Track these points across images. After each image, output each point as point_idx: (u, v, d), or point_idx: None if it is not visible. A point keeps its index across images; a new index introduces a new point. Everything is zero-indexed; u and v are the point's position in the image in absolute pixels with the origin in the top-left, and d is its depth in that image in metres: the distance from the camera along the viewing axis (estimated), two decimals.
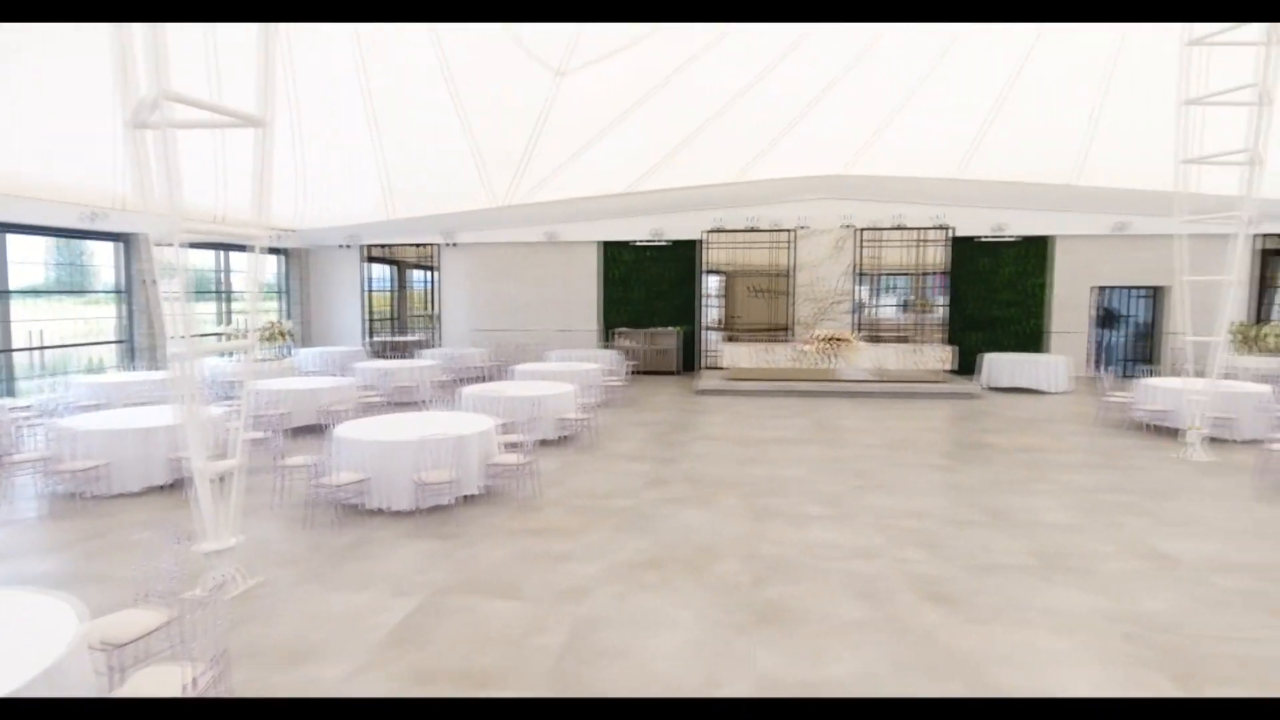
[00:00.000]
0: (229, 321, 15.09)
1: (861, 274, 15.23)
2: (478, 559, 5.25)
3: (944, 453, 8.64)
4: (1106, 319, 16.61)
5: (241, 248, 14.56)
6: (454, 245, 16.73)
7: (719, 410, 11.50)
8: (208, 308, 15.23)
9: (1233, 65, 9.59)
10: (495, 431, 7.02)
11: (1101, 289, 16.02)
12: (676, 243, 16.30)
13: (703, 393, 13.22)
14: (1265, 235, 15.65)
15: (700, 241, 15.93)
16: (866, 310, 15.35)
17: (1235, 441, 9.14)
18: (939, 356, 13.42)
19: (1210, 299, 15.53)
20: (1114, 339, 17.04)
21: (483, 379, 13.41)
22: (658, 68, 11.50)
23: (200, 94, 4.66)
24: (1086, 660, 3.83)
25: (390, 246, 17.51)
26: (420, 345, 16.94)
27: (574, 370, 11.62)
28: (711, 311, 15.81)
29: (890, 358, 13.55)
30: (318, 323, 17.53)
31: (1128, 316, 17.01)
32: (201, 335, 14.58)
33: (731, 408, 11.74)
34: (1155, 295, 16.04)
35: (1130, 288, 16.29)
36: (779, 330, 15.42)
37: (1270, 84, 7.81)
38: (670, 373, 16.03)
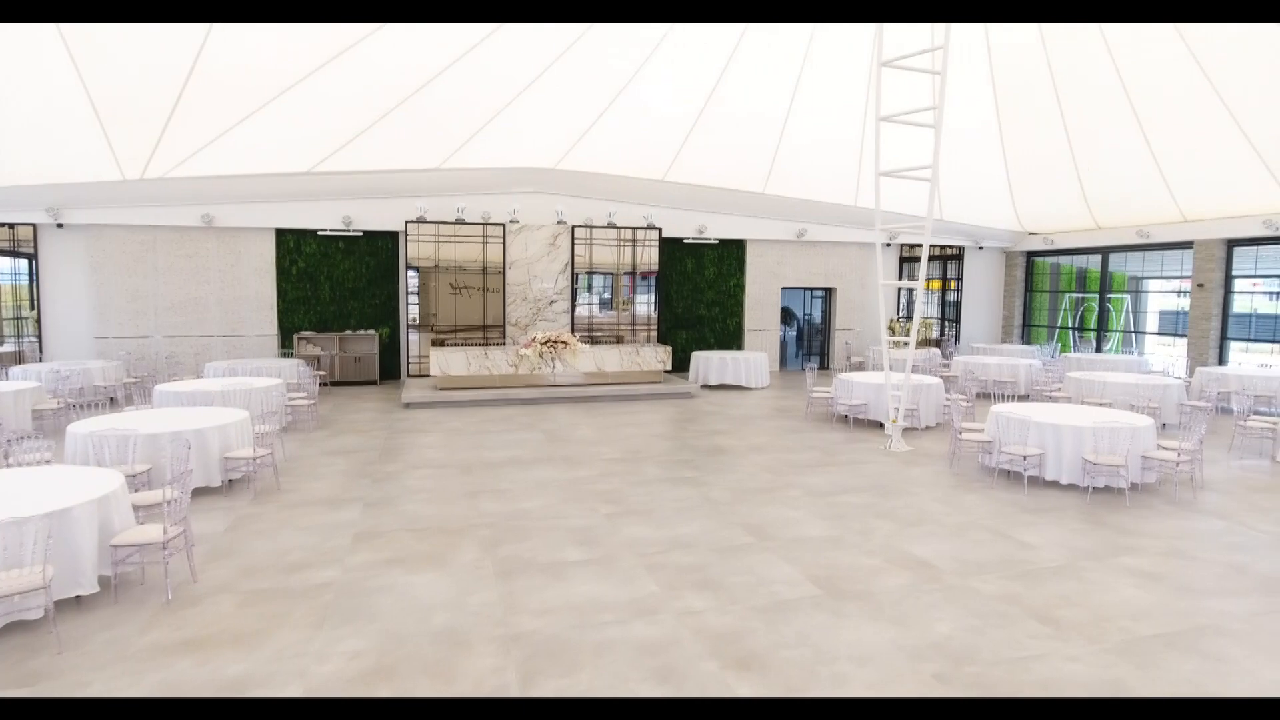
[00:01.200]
0: None
1: (576, 273, 14.68)
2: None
3: (685, 461, 8.24)
4: (784, 317, 18.16)
5: None
6: (62, 226, 12.77)
7: (434, 427, 10.01)
8: None
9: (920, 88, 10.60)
10: (123, 491, 4.90)
11: (786, 290, 17.42)
12: (372, 233, 14.26)
13: (412, 406, 11.56)
14: (902, 244, 18.31)
15: (401, 233, 14.11)
16: (583, 310, 14.85)
17: (919, 429, 10.11)
18: (658, 357, 13.35)
19: (861, 297, 17.84)
20: (791, 335, 18.77)
21: (111, 404, 10.29)
22: (348, 27, 9.59)
23: None
24: None
25: None
26: (12, 360, 12.71)
27: (246, 388, 9.28)
28: (415, 311, 14.07)
29: (610, 359, 13.16)
30: None
31: (808, 315, 18.84)
32: None
33: (448, 423, 10.31)
34: (828, 295, 17.90)
35: (808, 289, 18.00)
36: (492, 331, 14.25)
37: (942, 111, 8.58)
38: (370, 383, 13.99)
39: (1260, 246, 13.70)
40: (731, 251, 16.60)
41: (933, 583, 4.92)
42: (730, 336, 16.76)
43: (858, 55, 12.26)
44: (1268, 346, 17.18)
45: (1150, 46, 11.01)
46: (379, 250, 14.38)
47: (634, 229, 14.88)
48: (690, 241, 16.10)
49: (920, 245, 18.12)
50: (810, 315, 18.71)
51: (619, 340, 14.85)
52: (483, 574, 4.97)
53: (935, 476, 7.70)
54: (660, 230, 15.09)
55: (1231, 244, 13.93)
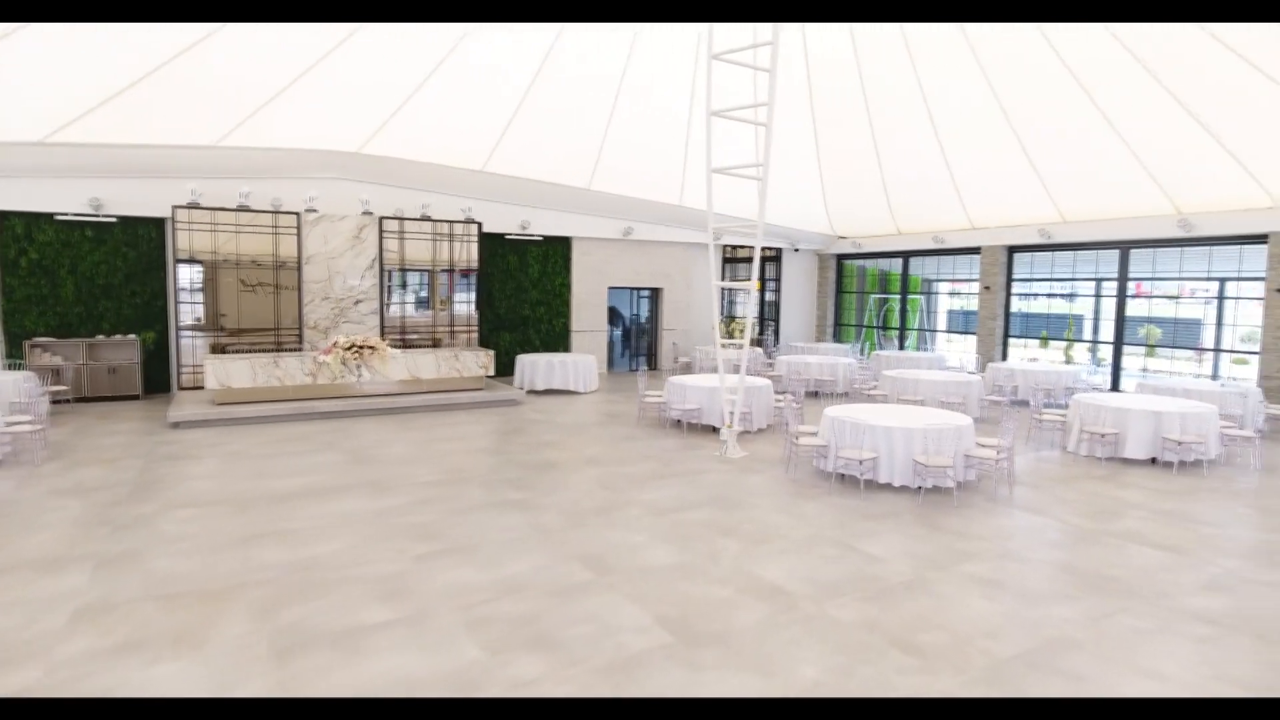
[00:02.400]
0: None
1: (387, 269, 13.25)
2: None
3: (512, 480, 7.39)
4: (611, 317, 17.76)
5: None
6: None
7: (208, 451, 8.39)
8: None
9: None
10: None
11: (614, 289, 16.97)
12: (131, 220, 11.99)
13: (181, 425, 9.73)
14: (725, 245, 18.55)
15: (169, 220, 11.97)
16: (395, 310, 13.42)
17: (751, 431, 9.95)
18: (479, 361, 12.31)
19: (687, 297, 17.84)
20: (618, 336, 18.40)
21: None
22: None
23: None
24: None
25: None
26: None
27: None
28: (191, 311, 11.96)
29: (426, 365, 11.93)
30: None
31: (634, 315, 18.54)
32: None
33: (227, 445, 8.71)
34: (654, 295, 17.70)
35: (635, 288, 17.68)
36: (286, 335, 12.49)
37: (774, 109, 8.38)
38: (130, 398, 11.74)
39: (1035, 253, 15.16)
40: (557, 249, 15.87)
41: (790, 612, 4.49)
42: (556, 338, 16.03)
43: (683, 49, 12.01)
44: (1034, 342, 19.27)
45: (947, 63, 11.68)
46: (140, 240, 12.12)
47: (451, 223, 13.71)
48: (513, 238, 15.18)
49: (742, 247, 18.50)
50: (637, 315, 18.43)
51: (436, 344, 13.63)
52: (254, 654, 3.87)
53: (774, 484, 7.44)
54: (480, 225, 14.03)
55: (1012, 250, 15.30)
